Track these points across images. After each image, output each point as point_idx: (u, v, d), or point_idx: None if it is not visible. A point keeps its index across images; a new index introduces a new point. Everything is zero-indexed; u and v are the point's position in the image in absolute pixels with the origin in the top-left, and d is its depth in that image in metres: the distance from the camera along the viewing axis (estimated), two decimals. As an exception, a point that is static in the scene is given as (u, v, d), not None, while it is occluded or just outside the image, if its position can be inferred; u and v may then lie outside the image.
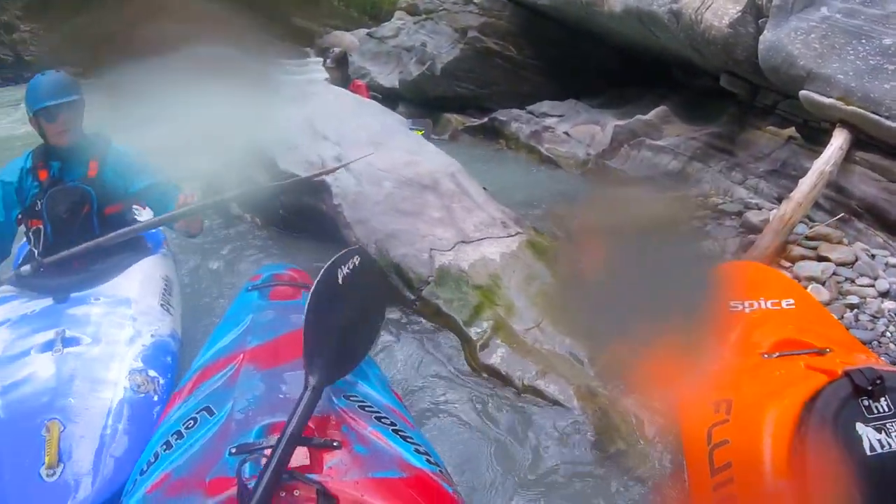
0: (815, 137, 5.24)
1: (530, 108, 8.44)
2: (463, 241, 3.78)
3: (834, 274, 3.86)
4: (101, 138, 3.04)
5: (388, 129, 5.01)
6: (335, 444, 1.50)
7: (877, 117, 4.43)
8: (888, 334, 3.38)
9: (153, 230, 3.27)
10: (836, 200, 4.69)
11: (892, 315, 3.51)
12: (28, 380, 2.15)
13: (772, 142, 5.78)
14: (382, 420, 1.72)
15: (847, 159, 4.64)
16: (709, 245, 4.64)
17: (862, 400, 1.81)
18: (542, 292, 3.44)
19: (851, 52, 4.73)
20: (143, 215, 3.34)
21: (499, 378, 2.99)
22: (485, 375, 3.03)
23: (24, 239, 3.00)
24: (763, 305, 2.58)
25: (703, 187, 5.96)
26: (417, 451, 1.63)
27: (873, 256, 4.03)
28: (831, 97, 4.73)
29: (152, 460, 1.68)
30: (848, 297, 3.67)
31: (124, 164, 2.99)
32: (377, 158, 4.12)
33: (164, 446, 1.68)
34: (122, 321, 2.54)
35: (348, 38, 17.19)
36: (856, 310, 3.55)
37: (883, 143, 4.54)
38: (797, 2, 5.17)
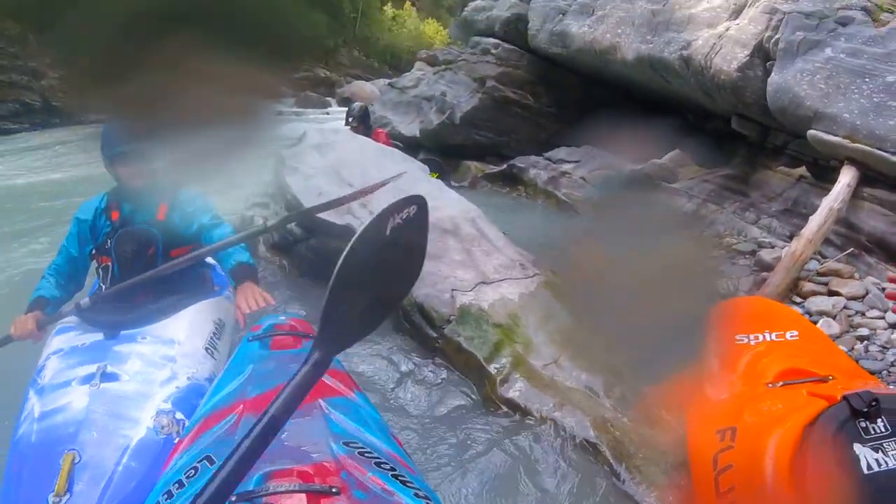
0: (824, 175, 5.37)
1: (548, 154, 8.62)
2: (483, 282, 3.93)
3: (844, 307, 3.95)
4: (171, 183, 3.13)
5: (410, 176, 5.18)
6: (334, 490, 1.46)
7: (883, 153, 4.56)
8: (898, 364, 3.46)
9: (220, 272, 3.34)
10: (846, 236, 4.78)
11: (902, 346, 3.59)
12: (63, 409, 2.25)
13: (783, 181, 5.90)
14: (382, 465, 1.69)
15: (855, 195, 4.75)
16: (724, 284, 4.74)
17: (859, 421, 1.88)
18: (559, 330, 3.57)
19: (856, 90, 4.87)
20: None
21: (518, 411, 3.10)
22: (504, 409, 3.14)
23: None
24: (768, 338, 2.67)
25: (718, 228, 6.06)
26: (417, 495, 1.59)
27: (883, 290, 4.10)
28: (838, 135, 4.87)
29: None
30: (858, 329, 3.75)
31: (192, 208, 3.08)
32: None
33: (166, 496, 1.66)
34: (162, 361, 2.59)
35: (369, 88, 17.58)
36: (866, 341, 3.64)
37: (890, 178, 4.66)
38: (802, 44, 5.35)
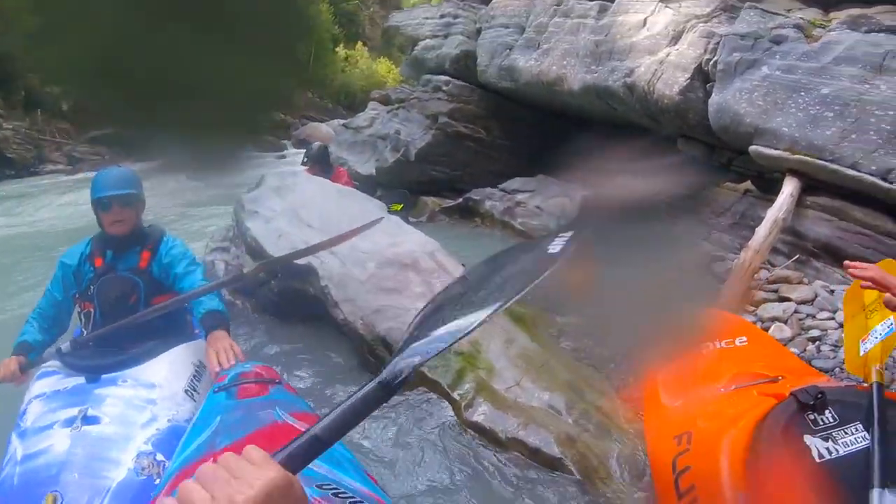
0: (768, 188, 5.53)
1: (502, 185, 8.72)
2: (444, 314, 3.99)
3: (795, 312, 4.07)
4: (155, 230, 3.19)
5: (369, 214, 5.27)
6: None
7: (822, 162, 4.73)
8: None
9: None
10: (793, 244, 4.92)
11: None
12: (45, 451, 2.27)
13: (730, 196, 6.06)
14: None
15: (799, 204, 4.91)
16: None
17: (808, 414, 1.96)
18: (520, 354, 3.66)
19: (793, 105, 5.06)
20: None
21: (483, 434, 3.14)
22: (471, 432, 3.18)
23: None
24: (718, 345, 2.77)
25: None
26: None
27: (832, 292, 4.24)
28: (779, 149, 5.06)
29: None
30: (810, 331, 3.86)
31: (174, 257, 3.10)
32: (360, 241, 4.34)
33: None
34: (142, 404, 2.61)
35: (324, 129, 17.61)
36: (818, 342, 3.74)
37: (830, 185, 4.83)
38: (739, 64, 5.55)
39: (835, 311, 4.00)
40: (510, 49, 8.86)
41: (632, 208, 6.74)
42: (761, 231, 4.72)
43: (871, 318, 2.40)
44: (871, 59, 4.71)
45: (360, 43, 34.72)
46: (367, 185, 9.57)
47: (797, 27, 5.40)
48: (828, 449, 1.88)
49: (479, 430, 3.17)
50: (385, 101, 11.88)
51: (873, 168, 4.47)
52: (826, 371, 3.38)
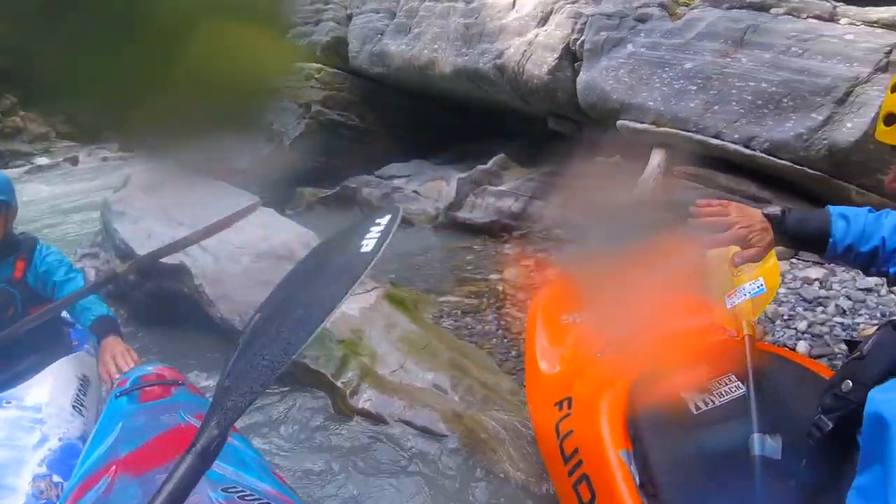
0: (637, 161, 5.69)
1: (379, 172, 8.63)
2: (323, 303, 3.90)
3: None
4: (28, 238, 2.96)
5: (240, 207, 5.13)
6: None
7: (687, 133, 4.92)
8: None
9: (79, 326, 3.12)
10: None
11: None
12: None
13: (601, 171, 6.22)
14: None
15: (667, 174, 5.08)
16: (554, 272, 4.94)
17: (682, 369, 2.02)
18: (402, 337, 3.62)
19: (657, 80, 5.22)
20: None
21: (371, 419, 3.10)
22: (359, 419, 3.12)
23: None
24: (592, 313, 2.80)
25: (546, 222, 6.32)
26: None
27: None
28: (645, 122, 5.22)
29: None
30: (685, 292, 3.99)
31: (50, 265, 2.90)
32: (233, 236, 4.19)
33: None
34: (30, 425, 2.44)
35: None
36: (691, 302, 3.88)
37: (696, 155, 5.01)
38: (606, 43, 5.68)
39: (709, 271, 4.14)
40: (381, 34, 8.76)
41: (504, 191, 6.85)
42: (632, 202, 4.86)
43: (738, 277, 2.46)
44: (732, 34, 4.89)
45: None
46: (241, 178, 9.25)
47: (661, 5, 5.55)
48: (704, 401, 1.92)
49: (367, 416, 3.13)
50: (256, 91, 11.54)
51: (736, 136, 4.67)
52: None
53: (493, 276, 5.06)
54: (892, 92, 1.13)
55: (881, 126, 1.16)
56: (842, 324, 3.43)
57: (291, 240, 4.58)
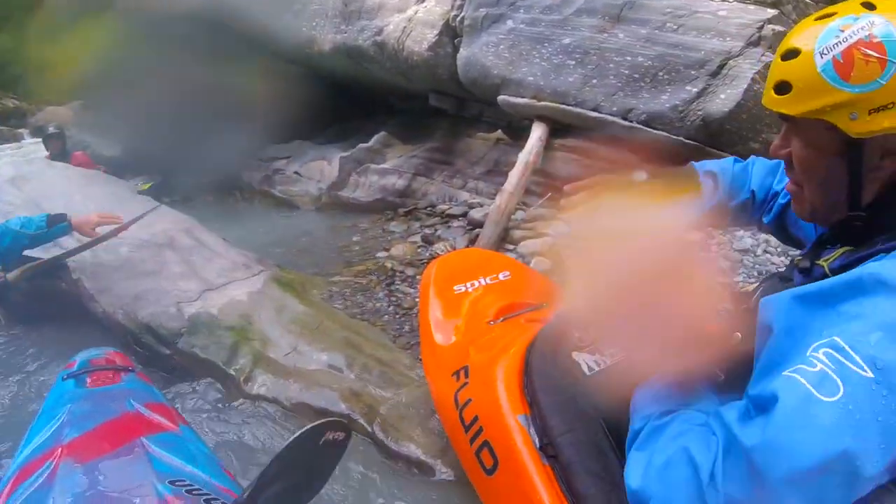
0: (519, 135, 5.80)
1: (258, 155, 8.45)
2: (209, 289, 3.81)
3: (553, 245, 4.31)
4: None
5: (117, 197, 4.98)
6: None
7: (565, 107, 5.03)
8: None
9: None
10: (545, 184, 5.18)
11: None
12: None
13: (483, 146, 6.30)
14: (213, 502, 1.63)
15: (548, 147, 5.20)
16: (441, 246, 4.97)
17: (573, 333, 2.05)
18: (294, 319, 3.55)
19: (537, 55, 5.30)
20: None
21: (269, 403, 3.02)
22: (255, 405, 3.04)
23: None
24: (483, 282, 2.81)
25: (431, 198, 6.36)
26: None
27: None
28: (525, 97, 5.29)
29: None
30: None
31: None
32: (107, 226, 3.97)
33: None
34: None
35: (62, 112, 16.03)
36: (575, 268, 4.00)
37: (575, 127, 5.14)
38: (486, 19, 5.71)
39: (591, 240, 4.26)
40: (260, 12, 8.50)
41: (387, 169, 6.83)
42: (514, 174, 4.95)
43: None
44: (609, 11, 5.02)
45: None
46: (115, 166, 8.83)
47: (541, -18, 5.63)
48: (596, 362, 1.97)
49: (264, 400, 3.05)
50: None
51: (614, 109, 4.81)
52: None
53: (381, 254, 5.03)
54: (782, 59, 1.16)
55: (771, 94, 1.19)
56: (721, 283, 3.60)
57: (170, 227, 4.45)
